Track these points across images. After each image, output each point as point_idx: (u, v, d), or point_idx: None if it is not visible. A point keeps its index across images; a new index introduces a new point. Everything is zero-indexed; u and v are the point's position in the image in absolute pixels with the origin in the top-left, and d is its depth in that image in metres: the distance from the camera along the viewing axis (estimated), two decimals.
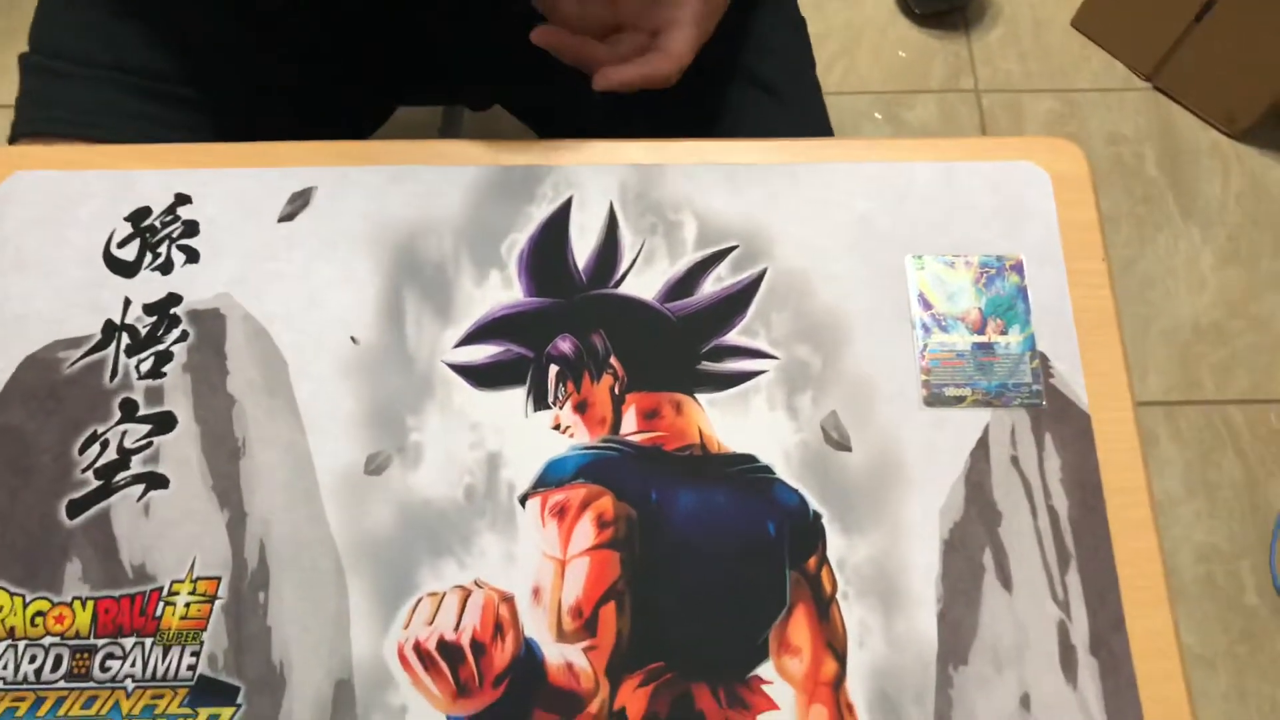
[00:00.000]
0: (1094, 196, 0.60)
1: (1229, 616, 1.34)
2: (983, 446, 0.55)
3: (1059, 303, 0.58)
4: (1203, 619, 1.33)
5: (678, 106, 0.68)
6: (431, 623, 0.51)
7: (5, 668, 0.50)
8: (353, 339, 0.57)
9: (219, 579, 0.52)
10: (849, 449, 0.55)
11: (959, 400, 0.56)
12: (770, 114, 0.75)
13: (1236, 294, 1.50)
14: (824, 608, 0.52)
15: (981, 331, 0.58)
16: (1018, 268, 0.59)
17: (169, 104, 0.71)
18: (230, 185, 0.60)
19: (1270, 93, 1.50)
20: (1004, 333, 0.58)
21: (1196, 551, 1.37)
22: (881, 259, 0.59)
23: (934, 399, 0.56)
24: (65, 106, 0.69)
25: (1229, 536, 1.38)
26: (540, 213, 0.60)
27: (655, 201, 0.60)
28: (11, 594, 0.51)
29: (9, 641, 0.50)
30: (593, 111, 0.68)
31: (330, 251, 0.58)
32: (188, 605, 0.51)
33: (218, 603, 0.51)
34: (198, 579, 0.51)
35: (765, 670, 0.51)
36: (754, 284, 0.59)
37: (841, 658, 0.51)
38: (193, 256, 0.58)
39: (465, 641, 0.51)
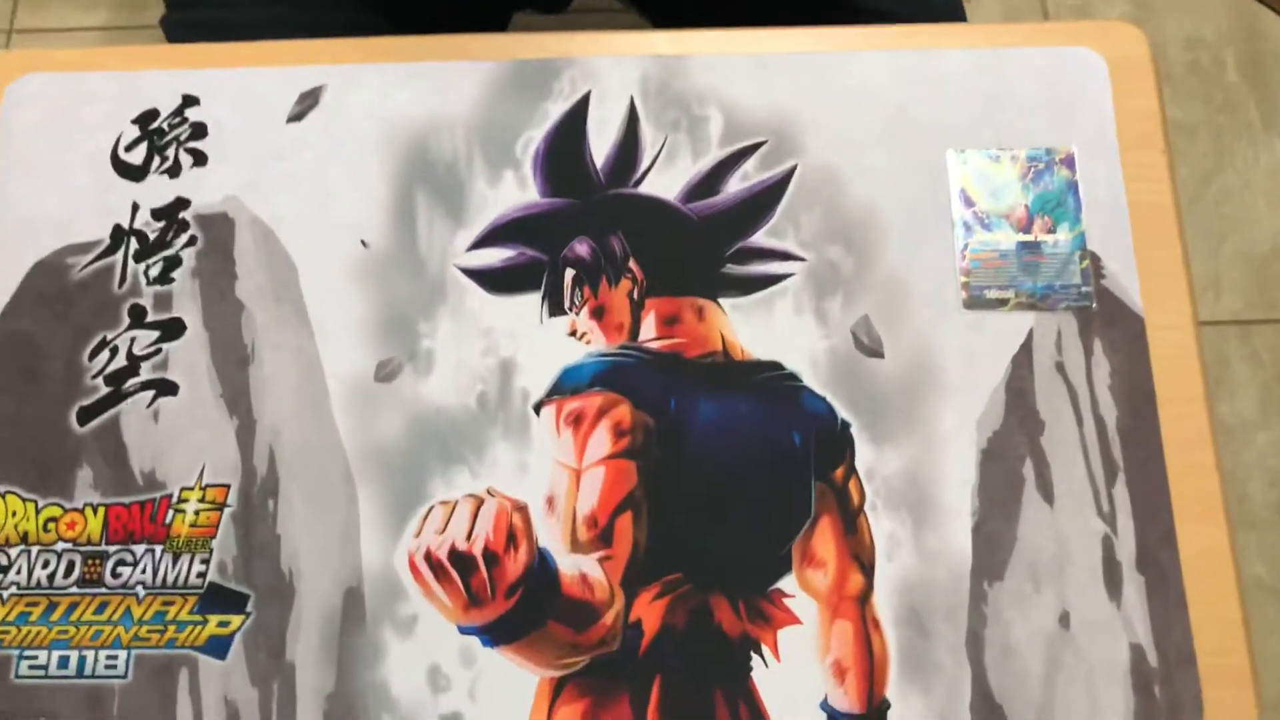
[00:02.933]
0: (1156, 82, 0.56)
1: None
2: (1026, 351, 0.53)
3: (1113, 198, 0.55)
4: (1275, 547, 1.29)
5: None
6: (443, 531, 0.50)
7: (19, 572, 0.50)
8: (363, 242, 0.55)
9: (228, 486, 0.51)
10: (881, 355, 0.53)
11: (1001, 303, 0.53)
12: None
13: None
14: (851, 520, 0.50)
15: (1028, 230, 0.54)
16: (1068, 161, 0.55)
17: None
18: (238, 85, 0.58)
19: None
20: (1052, 231, 0.54)
21: (1269, 477, 1.32)
22: (920, 153, 0.56)
23: (974, 301, 0.53)
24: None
25: None
26: (557, 109, 0.57)
27: (679, 95, 0.57)
28: (24, 499, 0.51)
29: (22, 547, 0.50)
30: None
31: (340, 152, 0.57)
32: (197, 513, 0.50)
33: (227, 510, 0.50)
34: (207, 486, 0.51)
35: (787, 584, 0.49)
36: (783, 181, 0.56)
37: (869, 571, 0.50)
38: (200, 159, 0.57)
39: (477, 550, 0.49)
